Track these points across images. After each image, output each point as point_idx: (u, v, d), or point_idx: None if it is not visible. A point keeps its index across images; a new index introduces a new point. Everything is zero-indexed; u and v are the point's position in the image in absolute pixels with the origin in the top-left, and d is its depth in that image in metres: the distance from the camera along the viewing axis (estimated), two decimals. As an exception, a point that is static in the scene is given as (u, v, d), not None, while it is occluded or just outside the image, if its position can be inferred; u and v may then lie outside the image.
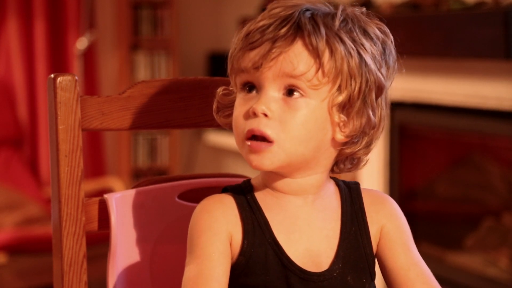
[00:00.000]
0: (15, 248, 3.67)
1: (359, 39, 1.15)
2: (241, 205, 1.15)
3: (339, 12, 1.16)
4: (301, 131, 1.11)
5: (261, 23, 1.13)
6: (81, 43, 4.54)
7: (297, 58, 1.11)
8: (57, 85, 1.27)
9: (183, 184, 1.36)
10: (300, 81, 1.11)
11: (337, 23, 1.14)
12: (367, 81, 1.15)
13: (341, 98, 1.12)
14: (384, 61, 1.21)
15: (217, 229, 1.13)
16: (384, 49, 1.22)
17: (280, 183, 1.16)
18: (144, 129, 1.35)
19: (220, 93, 1.21)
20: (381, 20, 1.21)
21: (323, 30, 1.12)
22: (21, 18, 4.47)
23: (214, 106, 1.21)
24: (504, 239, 3.29)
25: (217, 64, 4.71)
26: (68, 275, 1.28)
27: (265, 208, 1.15)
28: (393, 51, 1.23)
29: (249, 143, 1.11)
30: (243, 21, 1.21)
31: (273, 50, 1.11)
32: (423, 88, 3.36)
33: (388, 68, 1.22)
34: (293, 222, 1.15)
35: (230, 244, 1.13)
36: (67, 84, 1.27)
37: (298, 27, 1.12)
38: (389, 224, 1.19)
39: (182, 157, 5.07)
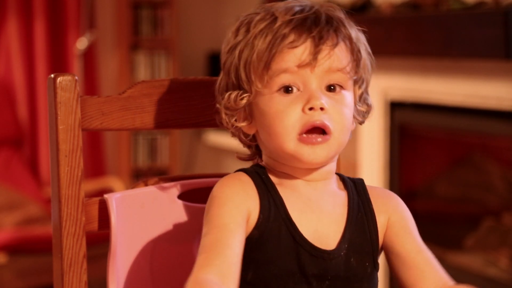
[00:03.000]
0: (15, 248, 3.68)
1: (358, 31, 1.21)
2: (258, 183, 1.19)
3: (337, 10, 1.20)
4: (348, 122, 1.18)
5: (287, 18, 1.15)
6: (81, 43, 4.54)
7: (341, 53, 1.16)
8: (57, 85, 1.27)
9: (183, 184, 1.36)
10: (344, 74, 1.16)
11: (344, 17, 1.20)
12: (370, 72, 1.22)
13: (362, 88, 1.21)
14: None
15: (238, 202, 1.16)
16: None
17: (299, 170, 1.19)
18: (144, 129, 1.35)
19: (238, 98, 1.19)
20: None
21: (348, 25, 1.18)
22: (21, 18, 4.47)
23: (225, 114, 1.21)
24: (504, 239, 3.29)
25: (217, 64, 4.69)
26: (68, 275, 1.28)
27: (279, 187, 1.19)
28: None
29: (305, 136, 1.15)
30: (243, 19, 1.21)
31: (323, 48, 1.14)
32: (423, 88, 3.36)
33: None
34: (305, 203, 1.19)
35: (248, 218, 1.16)
36: (67, 84, 1.27)
37: (330, 21, 1.16)
38: (395, 215, 1.23)
39: (182, 157, 5.07)
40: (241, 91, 1.18)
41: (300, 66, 1.14)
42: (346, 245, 1.18)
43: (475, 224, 3.43)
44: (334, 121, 1.15)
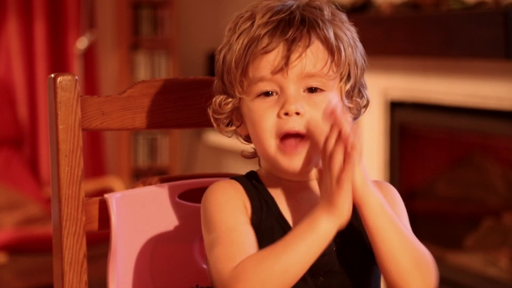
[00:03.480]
0: (15, 248, 3.67)
1: (347, 27, 1.19)
2: (247, 187, 1.19)
3: (323, 5, 1.18)
4: (328, 124, 1.13)
5: (263, 21, 1.14)
6: (81, 43, 4.54)
7: (316, 55, 1.14)
8: (57, 85, 1.27)
9: (183, 184, 1.36)
10: (320, 77, 1.15)
11: (328, 14, 1.18)
12: (362, 65, 1.20)
13: (349, 85, 1.19)
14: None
15: (235, 203, 1.16)
16: None
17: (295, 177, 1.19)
18: (144, 129, 1.35)
19: (222, 103, 1.20)
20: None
21: (327, 23, 1.15)
22: (21, 18, 4.47)
23: (213, 118, 1.22)
24: (504, 239, 3.29)
25: (217, 64, 4.69)
26: (68, 275, 1.28)
27: (270, 188, 1.20)
28: None
29: (282, 145, 1.14)
30: (233, 19, 1.20)
31: (294, 51, 1.13)
32: (423, 88, 3.36)
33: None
34: (298, 201, 1.19)
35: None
36: (67, 84, 1.27)
37: (304, 22, 1.14)
38: (385, 199, 1.20)
39: (182, 157, 5.07)
40: (226, 96, 1.19)
41: (274, 72, 1.14)
42: (338, 240, 1.16)
43: (475, 224, 3.43)
44: (312, 124, 1.14)
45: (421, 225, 3.61)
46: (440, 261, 3.52)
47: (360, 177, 1.10)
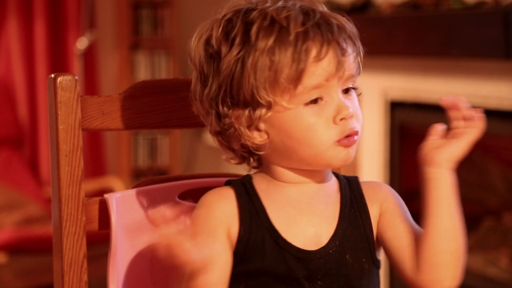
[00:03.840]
0: (15, 248, 3.67)
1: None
2: (240, 195, 1.18)
3: (317, 1, 1.20)
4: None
5: (300, 29, 1.13)
6: (81, 43, 4.54)
7: (351, 58, 1.17)
8: (57, 85, 1.27)
9: (183, 184, 1.36)
10: (354, 77, 1.19)
11: (333, 12, 1.19)
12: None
13: (357, 81, 1.22)
14: None
15: (214, 223, 1.17)
16: None
17: (306, 179, 1.20)
18: (144, 129, 1.35)
19: (252, 115, 1.16)
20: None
21: (348, 24, 1.18)
22: (21, 18, 4.47)
23: (243, 129, 1.16)
24: (504, 239, 3.29)
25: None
26: (68, 275, 1.28)
27: (265, 195, 1.19)
28: None
29: (345, 141, 1.16)
30: (231, 22, 1.17)
31: (345, 56, 1.15)
32: (423, 88, 3.36)
33: None
34: (294, 206, 1.18)
35: (229, 235, 1.17)
36: (67, 84, 1.27)
37: (342, 27, 1.16)
38: (386, 203, 1.22)
39: (182, 157, 5.07)
40: (258, 108, 1.15)
41: (329, 79, 1.14)
42: (337, 242, 1.17)
43: (475, 224, 3.43)
44: (358, 122, 1.17)
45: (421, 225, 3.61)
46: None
47: (460, 152, 1.18)
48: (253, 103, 1.15)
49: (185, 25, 5.00)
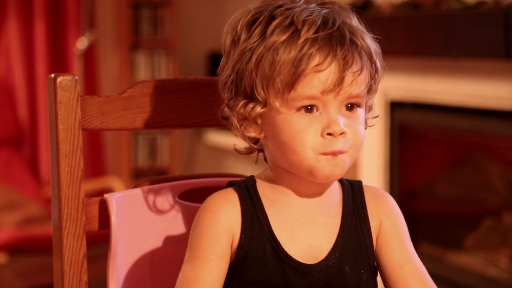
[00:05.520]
0: (15, 248, 3.67)
1: (371, 37, 1.17)
2: (243, 200, 1.17)
3: (350, 13, 1.16)
4: (362, 139, 1.15)
5: (312, 36, 1.10)
6: (81, 43, 4.54)
7: (364, 79, 1.13)
8: (57, 85, 1.27)
9: (183, 184, 1.36)
10: (361, 97, 1.14)
11: (361, 28, 1.16)
12: (380, 78, 1.19)
13: (371, 100, 1.18)
14: None
15: (219, 230, 1.15)
16: None
17: (305, 188, 1.18)
18: (144, 129, 1.35)
19: (249, 108, 1.15)
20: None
21: (367, 38, 1.14)
22: (21, 18, 4.47)
23: (236, 120, 1.17)
24: (504, 239, 3.29)
25: (217, 64, 4.69)
26: (68, 275, 1.28)
27: (268, 203, 1.18)
28: None
29: (330, 156, 1.12)
30: (257, 14, 1.15)
31: (348, 75, 1.11)
32: (423, 88, 3.36)
33: None
34: (297, 219, 1.17)
35: (232, 242, 1.16)
36: (67, 84, 1.27)
37: (353, 42, 1.12)
38: (386, 221, 1.20)
39: (182, 157, 5.07)
40: (254, 103, 1.14)
41: (325, 93, 1.11)
42: (337, 254, 1.16)
43: (475, 224, 3.43)
44: (351, 142, 1.13)
45: (421, 225, 3.61)
46: (440, 261, 3.53)
47: None
48: (252, 97, 1.15)
49: (185, 25, 5.00)
